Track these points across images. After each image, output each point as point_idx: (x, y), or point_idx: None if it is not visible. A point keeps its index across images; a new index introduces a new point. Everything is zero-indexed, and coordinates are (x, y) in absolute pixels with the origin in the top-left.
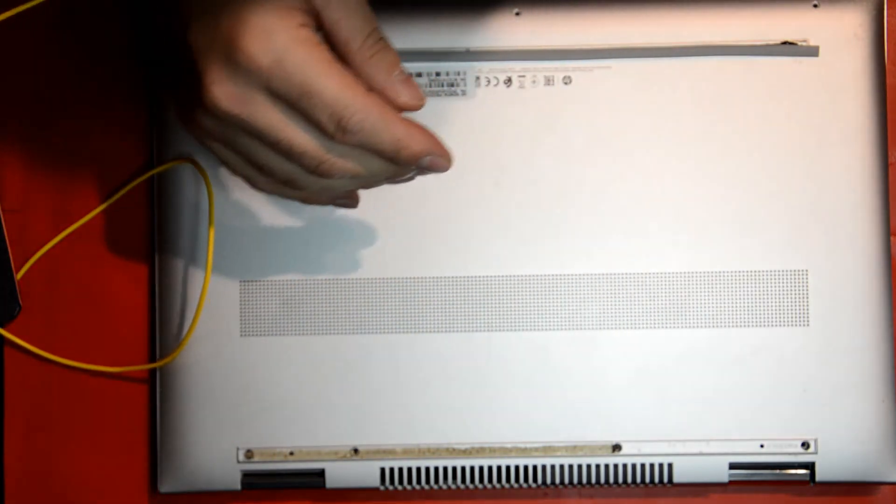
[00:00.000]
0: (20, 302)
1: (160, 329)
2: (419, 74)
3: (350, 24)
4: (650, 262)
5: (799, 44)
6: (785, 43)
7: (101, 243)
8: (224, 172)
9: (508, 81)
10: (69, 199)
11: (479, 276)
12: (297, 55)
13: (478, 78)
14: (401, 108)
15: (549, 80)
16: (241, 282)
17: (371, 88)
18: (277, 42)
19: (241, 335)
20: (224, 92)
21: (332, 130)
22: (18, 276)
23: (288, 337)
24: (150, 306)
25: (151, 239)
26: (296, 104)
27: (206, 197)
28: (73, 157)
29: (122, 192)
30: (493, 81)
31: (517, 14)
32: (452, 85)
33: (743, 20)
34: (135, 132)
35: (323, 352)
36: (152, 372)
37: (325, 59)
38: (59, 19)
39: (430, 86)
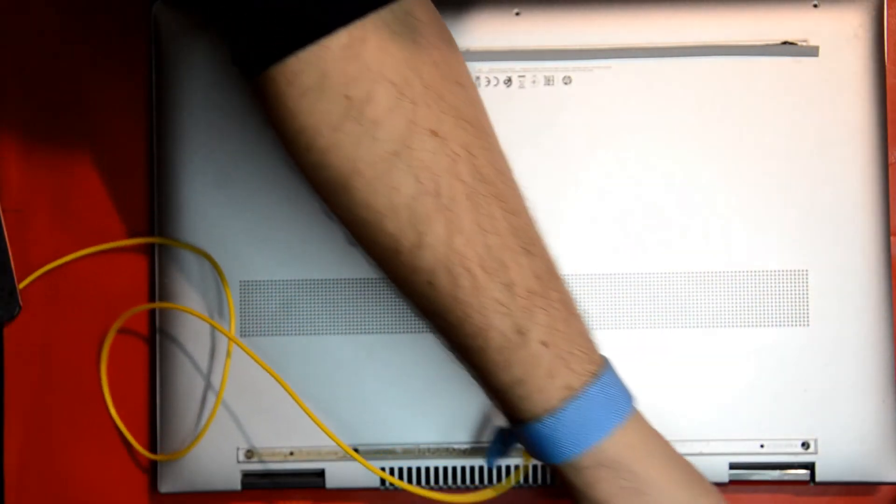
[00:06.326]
0: (20, 302)
1: (160, 331)
2: None
3: None
4: (650, 262)
5: (799, 44)
6: (785, 43)
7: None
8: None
9: (508, 81)
10: (69, 199)
11: None
12: None
13: (478, 78)
14: None
15: (549, 80)
16: (241, 282)
17: None
18: None
19: (241, 335)
20: None
21: None
22: (21, 285)
23: (288, 337)
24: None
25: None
26: None
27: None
28: (74, 156)
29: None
30: (493, 81)
31: (517, 14)
32: None
33: (743, 20)
34: (136, 133)
35: (323, 352)
36: (152, 372)
37: None
38: (64, 19)
39: None
